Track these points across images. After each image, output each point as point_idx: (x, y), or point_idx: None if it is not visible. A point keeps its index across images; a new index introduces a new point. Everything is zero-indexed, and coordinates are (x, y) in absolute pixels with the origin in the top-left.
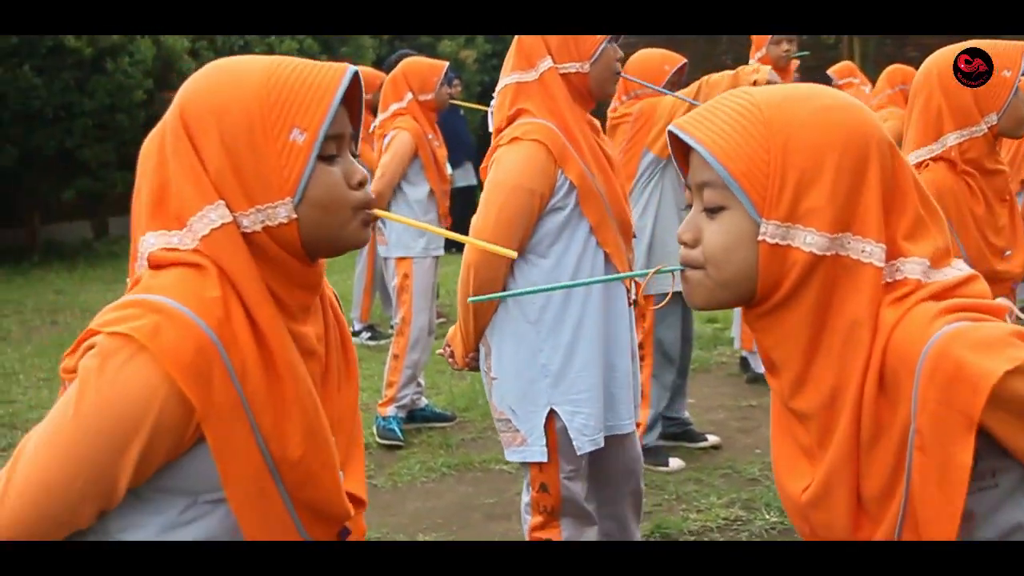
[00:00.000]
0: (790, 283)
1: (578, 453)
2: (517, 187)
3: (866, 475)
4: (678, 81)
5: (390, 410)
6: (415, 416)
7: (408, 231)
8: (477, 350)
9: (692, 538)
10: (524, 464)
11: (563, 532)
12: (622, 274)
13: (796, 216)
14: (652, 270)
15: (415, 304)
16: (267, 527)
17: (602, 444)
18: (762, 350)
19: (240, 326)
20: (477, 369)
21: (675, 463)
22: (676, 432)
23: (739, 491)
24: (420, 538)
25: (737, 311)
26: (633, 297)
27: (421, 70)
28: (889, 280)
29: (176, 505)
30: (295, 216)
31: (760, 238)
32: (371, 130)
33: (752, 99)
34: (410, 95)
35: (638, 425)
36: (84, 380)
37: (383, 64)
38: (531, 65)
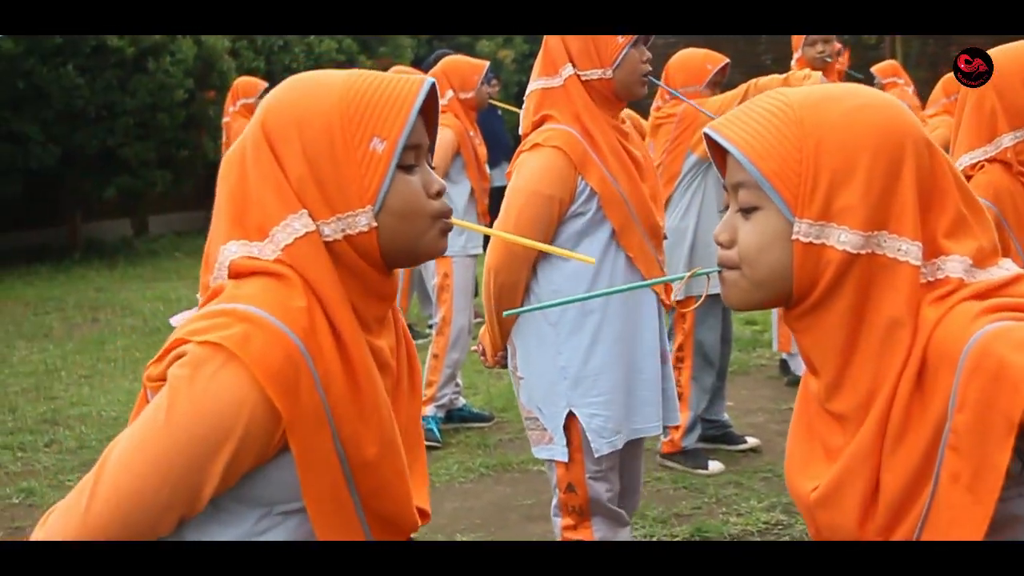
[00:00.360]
0: (825, 282)
1: (596, 455)
2: (535, 193)
3: (889, 474)
4: (720, 81)
5: (429, 410)
6: (453, 416)
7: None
8: (506, 349)
9: (731, 541)
10: (551, 464)
11: (595, 533)
12: (660, 279)
13: (829, 215)
14: (688, 273)
15: (455, 303)
16: (341, 537)
17: (619, 447)
18: (802, 351)
19: (324, 336)
20: (507, 367)
21: (714, 466)
22: (715, 434)
23: (780, 495)
24: (458, 539)
25: (775, 313)
26: (668, 299)
27: (462, 68)
28: (930, 279)
29: (252, 515)
30: (375, 224)
31: (794, 237)
32: None
33: (786, 99)
34: (451, 93)
35: (677, 427)
36: (175, 388)
37: (422, 64)
38: (555, 71)
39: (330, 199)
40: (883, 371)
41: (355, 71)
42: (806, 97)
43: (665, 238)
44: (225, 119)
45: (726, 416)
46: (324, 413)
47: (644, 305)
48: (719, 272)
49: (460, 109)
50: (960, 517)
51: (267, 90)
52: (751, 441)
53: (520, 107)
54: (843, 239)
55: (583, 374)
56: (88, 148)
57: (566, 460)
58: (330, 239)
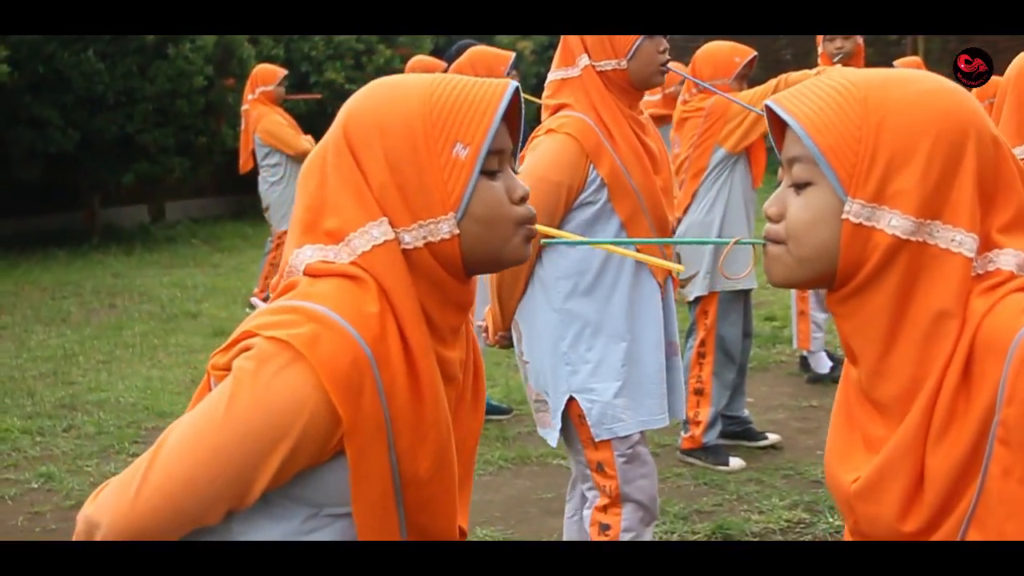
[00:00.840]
0: (872, 266)
1: (595, 440)
2: (542, 179)
3: (933, 467)
4: (748, 74)
5: None
6: None
7: None
8: (509, 331)
9: (754, 540)
10: (576, 450)
11: (623, 520)
12: (705, 239)
13: (883, 197)
14: (732, 240)
15: (477, 297)
16: None
17: (632, 431)
18: (843, 337)
19: (394, 345)
20: (507, 347)
21: (735, 463)
22: (736, 431)
23: (801, 493)
24: (478, 532)
25: (794, 309)
26: (670, 284)
27: (488, 59)
28: (980, 272)
29: (300, 514)
30: (457, 232)
31: (844, 216)
32: None
33: (852, 78)
34: None
35: (697, 423)
36: (238, 381)
37: (443, 55)
38: (572, 61)
39: (412, 206)
40: (928, 361)
41: (438, 75)
42: (872, 77)
43: (673, 232)
44: (244, 107)
45: (746, 412)
46: (384, 423)
47: (646, 298)
48: (764, 246)
49: None
50: (1018, 512)
51: (286, 77)
52: (772, 437)
53: (539, 98)
54: (894, 223)
55: (583, 362)
56: (107, 134)
57: (555, 445)
58: (410, 247)
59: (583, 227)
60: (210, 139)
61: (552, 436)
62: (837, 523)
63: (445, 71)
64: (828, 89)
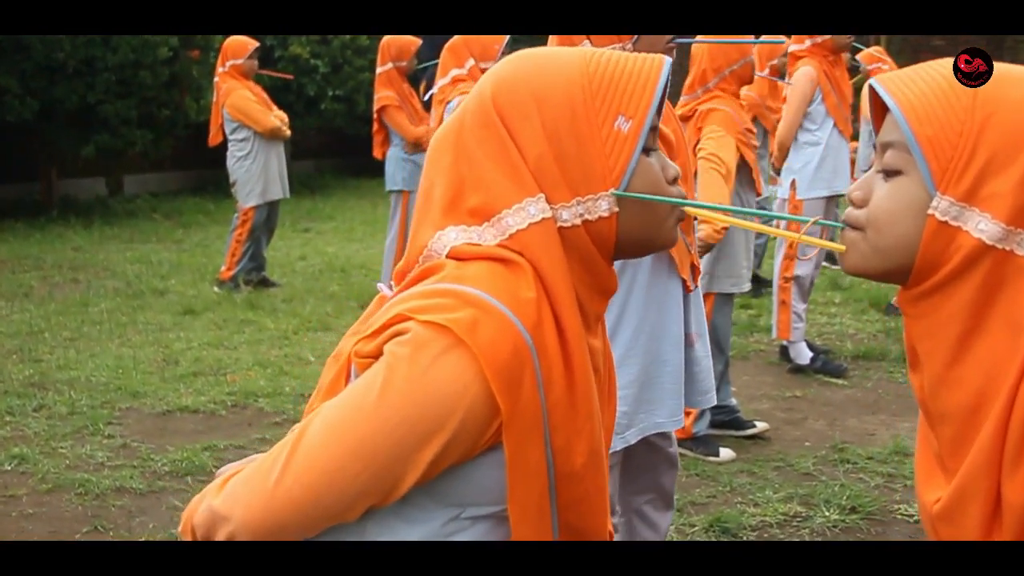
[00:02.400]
0: (951, 267)
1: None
2: None
3: (1011, 489)
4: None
5: None
6: None
7: None
8: None
9: (753, 534)
10: None
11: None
12: (782, 214)
13: (975, 198)
14: (812, 219)
15: None
16: None
17: (631, 442)
18: (908, 340)
19: (550, 333)
20: None
21: (726, 453)
22: (724, 420)
23: (795, 486)
24: None
25: (775, 300)
26: (692, 283)
27: (483, 37)
28: None
29: (441, 516)
30: (616, 209)
31: (930, 212)
32: (426, 98)
33: None
34: (471, 61)
35: (688, 413)
36: (392, 367)
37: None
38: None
39: (572, 180)
40: (999, 376)
41: (588, 48)
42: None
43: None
44: (216, 79)
45: (734, 401)
46: (541, 415)
47: (669, 294)
48: (841, 231)
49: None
50: None
51: (257, 50)
52: (760, 425)
53: None
54: (982, 227)
55: None
56: (67, 103)
57: None
58: (567, 224)
59: None
60: (173, 112)
61: None
62: (834, 517)
63: (420, 49)
64: (938, 76)
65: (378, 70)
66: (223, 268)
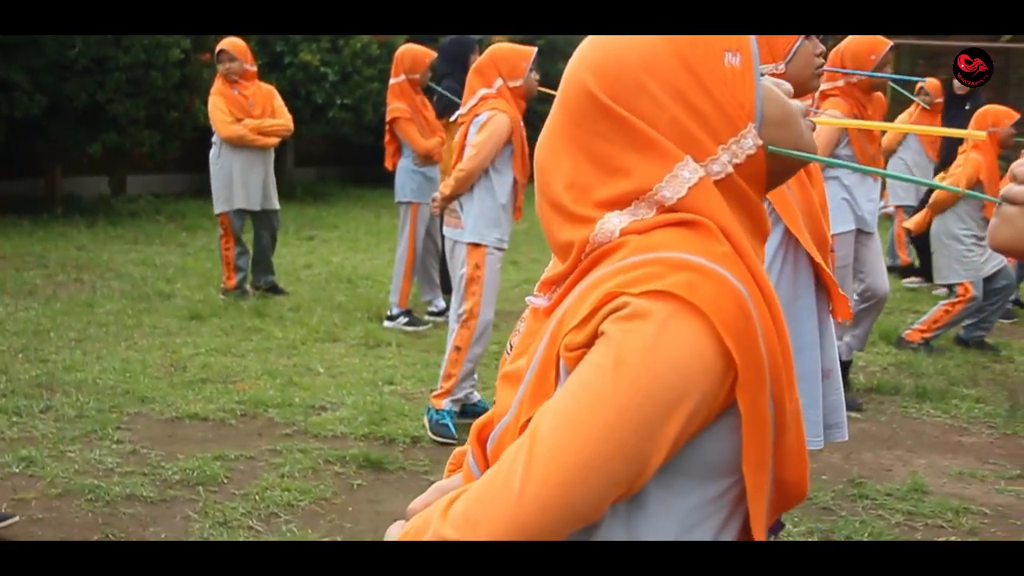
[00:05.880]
0: None
1: None
2: None
3: None
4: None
5: (445, 403)
6: (467, 411)
7: (486, 218)
8: None
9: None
10: None
11: None
12: (933, 183)
13: None
14: (961, 191)
15: (484, 297)
16: (761, 514)
17: None
18: None
19: (752, 283)
20: None
21: None
22: None
23: (815, 521)
24: None
25: None
26: (842, 314)
27: (509, 56)
28: None
29: (681, 507)
30: (760, 142)
31: None
32: (453, 119)
33: None
34: (499, 81)
35: None
36: (620, 343)
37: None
38: None
39: (714, 129)
40: None
41: None
42: None
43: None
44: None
45: None
46: (765, 367)
47: (804, 324)
48: (998, 204)
49: (510, 98)
50: None
51: (222, 52)
52: None
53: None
54: None
55: None
56: (77, 101)
57: None
58: (720, 175)
59: None
60: (182, 114)
61: None
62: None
63: (434, 62)
64: None
65: (391, 81)
66: (224, 277)
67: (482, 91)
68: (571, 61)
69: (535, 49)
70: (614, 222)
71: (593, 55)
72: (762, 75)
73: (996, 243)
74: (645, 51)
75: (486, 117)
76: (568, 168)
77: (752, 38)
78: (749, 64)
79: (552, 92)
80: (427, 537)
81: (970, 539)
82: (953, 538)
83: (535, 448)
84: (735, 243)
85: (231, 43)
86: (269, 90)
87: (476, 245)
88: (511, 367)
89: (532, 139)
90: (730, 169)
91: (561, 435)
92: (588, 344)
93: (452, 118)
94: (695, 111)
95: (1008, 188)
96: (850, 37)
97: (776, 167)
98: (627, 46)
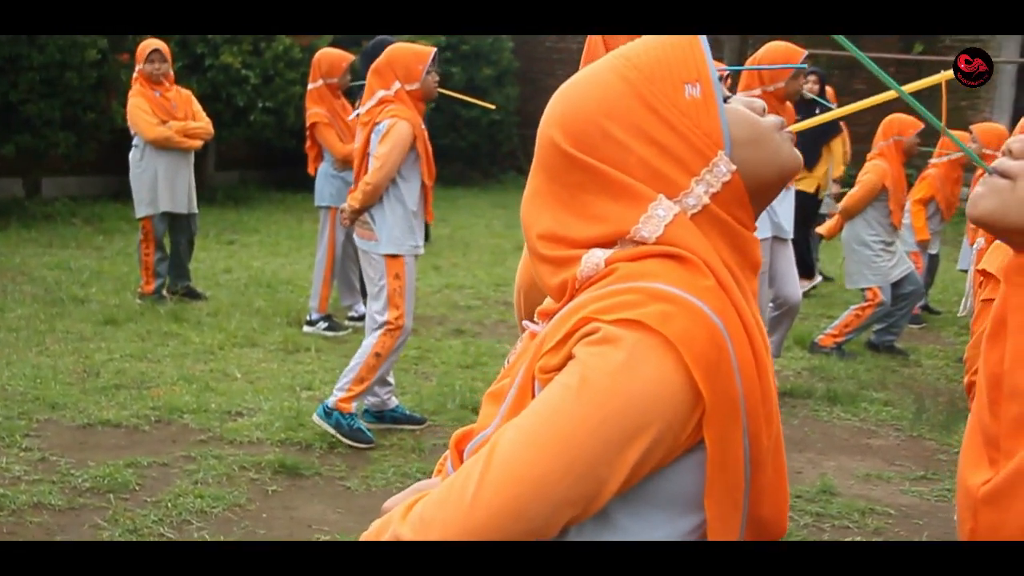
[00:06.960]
0: None
1: None
2: None
3: None
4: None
5: (354, 406)
6: (385, 416)
7: (400, 227)
8: None
9: None
10: None
11: None
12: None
13: None
14: (982, 166)
15: (407, 305)
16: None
17: None
18: (1000, 310)
19: (734, 317)
20: None
21: None
22: None
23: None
24: None
25: None
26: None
27: (406, 58)
28: None
29: (638, 534)
30: (734, 167)
31: None
32: (352, 118)
33: None
34: (397, 84)
35: None
36: (588, 364)
37: (346, 47)
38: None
39: (684, 163)
40: None
41: (613, 52)
42: None
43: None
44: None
45: None
46: (739, 403)
47: None
48: (989, 174)
49: (408, 101)
50: None
51: (156, 52)
52: None
53: (474, 98)
54: None
55: None
56: None
57: None
58: (697, 208)
59: None
60: (99, 115)
61: None
62: None
63: (352, 64)
64: None
65: (309, 86)
66: (142, 283)
67: (380, 92)
68: (542, 118)
69: (434, 50)
70: (598, 255)
71: (558, 108)
72: (728, 97)
73: (977, 212)
74: (604, 97)
75: (386, 126)
76: (548, 220)
77: (711, 64)
78: (710, 91)
79: (453, 95)
80: (386, 537)
81: (875, 539)
82: (859, 538)
83: (493, 458)
84: (718, 276)
85: (160, 44)
86: (188, 94)
87: (394, 256)
88: (496, 386)
89: (434, 139)
90: (706, 200)
91: (519, 448)
92: (561, 367)
93: (350, 117)
94: (661, 148)
95: (1002, 161)
96: (767, 45)
97: (761, 181)
98: (586, 95)
